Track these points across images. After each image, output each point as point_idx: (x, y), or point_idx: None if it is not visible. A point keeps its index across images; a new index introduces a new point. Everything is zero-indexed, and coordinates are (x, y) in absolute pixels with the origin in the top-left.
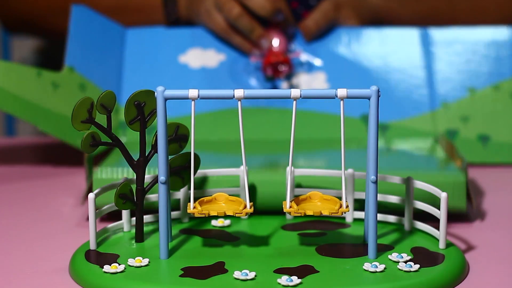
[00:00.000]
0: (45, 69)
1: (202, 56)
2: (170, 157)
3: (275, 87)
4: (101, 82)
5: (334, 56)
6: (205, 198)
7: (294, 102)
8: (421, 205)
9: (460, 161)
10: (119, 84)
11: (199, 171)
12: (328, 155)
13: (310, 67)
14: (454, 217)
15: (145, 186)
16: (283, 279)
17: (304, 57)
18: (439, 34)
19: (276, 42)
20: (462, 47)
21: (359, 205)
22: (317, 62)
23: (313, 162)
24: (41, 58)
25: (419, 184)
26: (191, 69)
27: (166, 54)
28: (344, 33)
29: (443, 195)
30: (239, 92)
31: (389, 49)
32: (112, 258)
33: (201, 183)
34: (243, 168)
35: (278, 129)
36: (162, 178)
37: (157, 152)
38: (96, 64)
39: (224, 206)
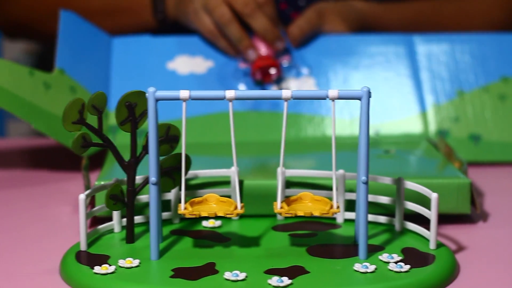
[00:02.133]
0: (36, 69)
1: (190, 63)
2: (161, 158)
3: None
4: (90, 86)
5: (322, 62)
6: (196, 199)
7: (285, 103)
8: (412, 206)
9: (459, 163)
10: (107, 90)
11: (190, 172)
12: (319, 156)
13: (298, 72)
14: (445, 217)
15: (136, 187)
16: (274, 280)
17: (290, 61)
18: (425, 40)
19: (263, 47)
20: (449, 51)
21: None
22: (305, 71)
23: (304, 164)
24: (31, 60)
25: (410, 185)
26: (179, 76)
27: (153, 62)
28: (332, 40)
29: (433, 196)
30: (230, 93)
31: (377, 55)
32: (102, 259)
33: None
34: (234, 169)
35: (268, 131)
36: (153, 179)
37: (148, 153)
38: (85, 69)
39: (215, 207)
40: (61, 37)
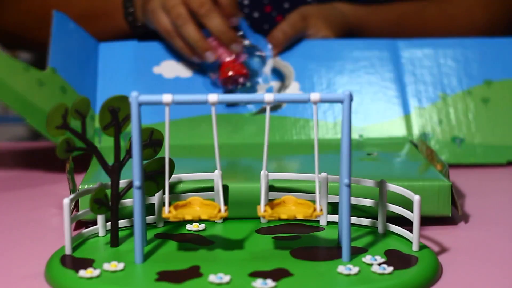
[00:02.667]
0: (31, 66)
1: (176, 67)
2: (144, 162)
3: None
4: (79, 88)
5: (307, 67)
6: (180, 203)
7: (268, 106)
8: (395, 208)
9: (440, 165)
10: (94, 93)
11: (173, 175)
12: (303, 159)
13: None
14: (427, 219)
15: (120, 191)
16: (258, 283)
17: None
18: (408, 45)
19: (225, 54)
20: (432, 56)
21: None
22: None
23: (288, 166)
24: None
25: (392, 187)
26: (165, 79)
27: (139, 66)
28: (317, 44)
29: (416, 198)
30: (213, 97)
31: (361, 59)
32: (87, 263)
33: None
34: (217, 172)
35: (253, 134)
36: (137, 183)
37: (131, 157)
38: (74, 71)
39: (199, 210)
40: (54, 37)
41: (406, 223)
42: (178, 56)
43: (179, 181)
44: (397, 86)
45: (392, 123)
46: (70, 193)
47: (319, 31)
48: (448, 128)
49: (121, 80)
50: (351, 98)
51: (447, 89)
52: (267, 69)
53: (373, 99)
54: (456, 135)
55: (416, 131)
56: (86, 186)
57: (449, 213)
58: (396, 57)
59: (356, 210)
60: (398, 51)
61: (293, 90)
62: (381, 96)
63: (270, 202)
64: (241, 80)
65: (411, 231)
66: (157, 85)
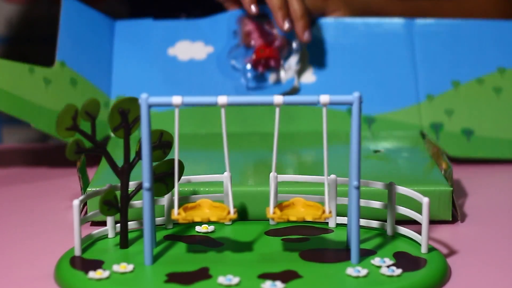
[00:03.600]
0: (37, 65)
1: (191, 49)
2: (154, 163)
3: (263, 77)
4: (91, 76)
5: (320, 46)
6: (189, 204)
7: (277, 109)
8: (403, 210)
9: (445, 164)
10: (109, 77)
11: (183, 177)
12: (313, 152)
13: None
14: (435, 220)
15: (129, 193)
16: (267, 284)
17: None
18: (424, 25)
19: (258, 38)
20: (446, 39)
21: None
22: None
23: (297, 161)
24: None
25: (401, 190)
26: (179, 62)
27: (154, 47)
28: (330, 23)
29: (425, 200)
30: (222, 99)
31: (374, 40)
32: (97, 264)
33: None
34: (226, 174)
35: (262, 123)
36: (146, 184)
37: (141, 159)
38: (86, 58)
39: (208, 212)
40: (62, 27)
41: (410, 224)
42: (192, 36)
43: (189, 183)
44: (410, 72)
45: (402, 112)
46: (81, 190)
47: (337, 9)
48: (458, 119)
49: (136, 63)
50: (360, 101)
51: (460, 76)
52: (292, 61)
53: (385, 85)
54: (466, 126)
55: (426, 120)
56: (93, 189)
57: (449, 217)
58: (410, 41)
59: (364, 212)
60: (411, 34)
61: (307, 73)
62: (393, 82)
63: (279, 204)
64: (272, 63)
65: (416, 232)
66: (172, 69)
